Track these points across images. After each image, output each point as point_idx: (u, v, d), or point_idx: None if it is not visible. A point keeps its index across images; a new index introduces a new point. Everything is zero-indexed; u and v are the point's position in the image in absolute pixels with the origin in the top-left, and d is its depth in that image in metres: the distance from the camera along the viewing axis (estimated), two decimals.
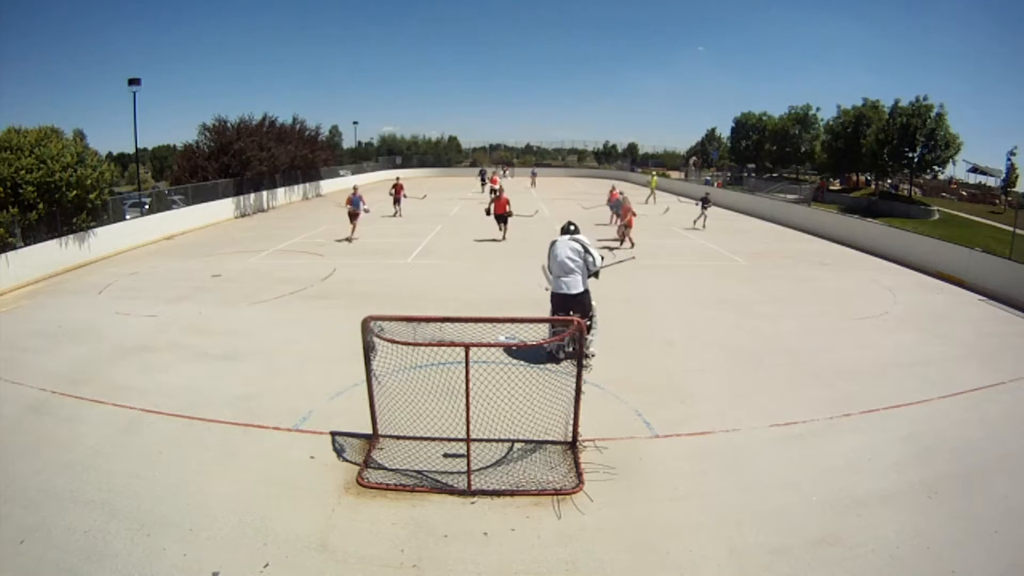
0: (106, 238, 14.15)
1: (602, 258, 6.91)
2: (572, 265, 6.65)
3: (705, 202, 18.96)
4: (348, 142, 57.89)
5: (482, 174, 27.69)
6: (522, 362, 6.43)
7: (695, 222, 18.96)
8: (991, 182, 44.53)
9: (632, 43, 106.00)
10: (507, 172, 47.71)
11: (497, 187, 24.78)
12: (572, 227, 7.01)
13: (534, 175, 40.10)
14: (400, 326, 5.04)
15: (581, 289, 6.65)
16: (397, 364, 4.89)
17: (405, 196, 21.40)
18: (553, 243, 6.89)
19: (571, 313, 6.46)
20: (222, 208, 21.08)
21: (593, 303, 6.84)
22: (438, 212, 22.45)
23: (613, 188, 19.80)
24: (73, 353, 7.38)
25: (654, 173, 28.27)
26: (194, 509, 4.19)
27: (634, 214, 14.63)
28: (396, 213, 20.85)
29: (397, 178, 22.96)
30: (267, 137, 26.00)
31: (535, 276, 11.73)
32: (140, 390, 6.21)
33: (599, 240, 14.72)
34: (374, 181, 41.27)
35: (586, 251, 6.71)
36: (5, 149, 12.30)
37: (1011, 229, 14.92)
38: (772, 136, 49.49)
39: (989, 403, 6.09)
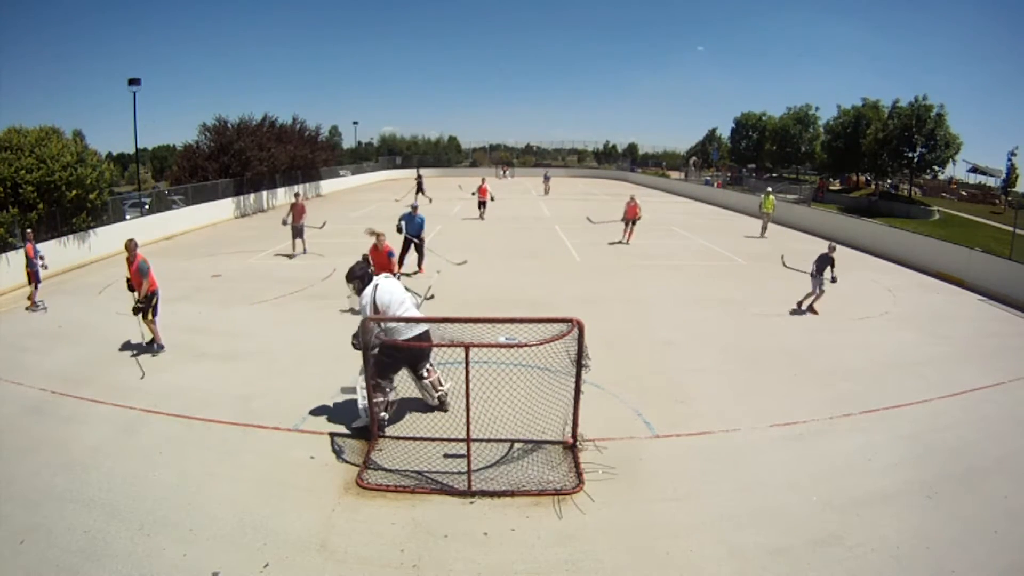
0: (106, 238, 14.12)
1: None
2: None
3: (825, 265, 9.30)
4: (348, 142, 57.93)
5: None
6: (522, 363, 6.40)
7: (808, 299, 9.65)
8: (991, 182, 44.58)
9: (632, 43, 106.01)
10: (506, 173, 46.94)
11: (487, 200, 20.52)
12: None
13: (547, 179, 33.03)
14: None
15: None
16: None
17: (305, 224, 13.90)
18: (376, 287, 5.19)
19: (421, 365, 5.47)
20: (222, 208, 21.06)
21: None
22: (438, 212, 22.42)
23: (632, 200, 15.86)
24: (73, 353, 7.38)
25: (769, 192, 18.35)
26: (194, 509, 4.19)
27: None
28: (295, 249, 13.92)
29: (296, 195, 15.56)
30: (267, 137, 25.99)
31: (535, 276, 11.78)
32: (140, 390, 6.21)
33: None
34: (374, 181, 41.44)
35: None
36: (5, 149, 12.30)
37: (1011, 229, 14.94)
38: (772, 136, 49.51)
39: (989, 403, 6.10)
